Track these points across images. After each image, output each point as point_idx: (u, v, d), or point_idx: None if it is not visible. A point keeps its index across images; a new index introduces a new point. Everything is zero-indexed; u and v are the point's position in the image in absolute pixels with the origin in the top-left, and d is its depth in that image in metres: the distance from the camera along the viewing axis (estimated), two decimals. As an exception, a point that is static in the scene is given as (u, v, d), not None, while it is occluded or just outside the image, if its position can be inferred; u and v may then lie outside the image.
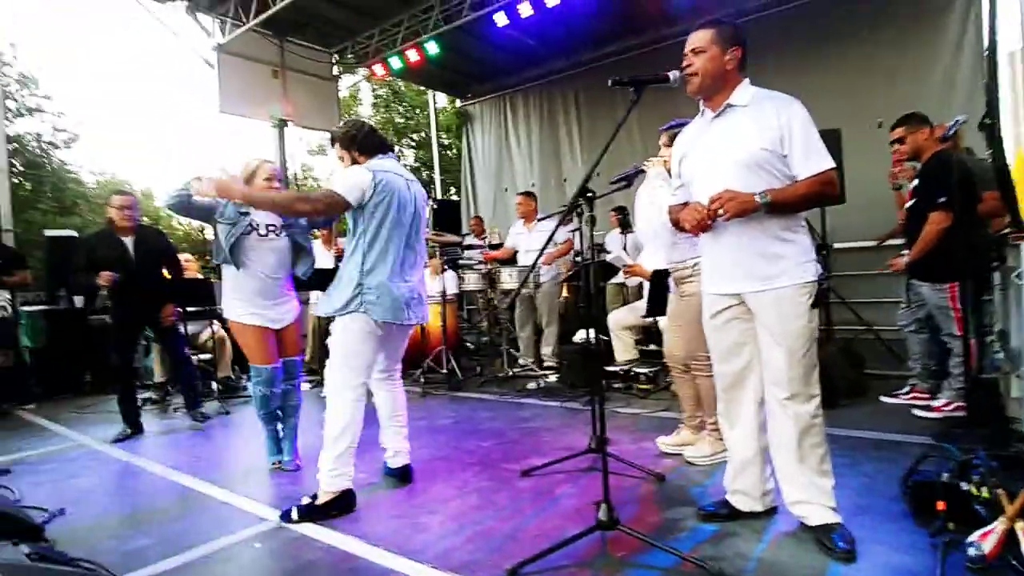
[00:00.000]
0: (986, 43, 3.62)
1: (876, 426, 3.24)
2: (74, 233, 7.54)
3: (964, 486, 1.96)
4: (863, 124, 5.99)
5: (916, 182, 3.38)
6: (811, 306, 1.95)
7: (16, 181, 17.59)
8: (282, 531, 2.41)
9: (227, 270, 3.07)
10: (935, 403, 3.38)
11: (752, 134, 1.94)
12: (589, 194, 2.11)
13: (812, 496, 1.99)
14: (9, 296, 5.59)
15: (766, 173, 1.93)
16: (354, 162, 2.66)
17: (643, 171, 2.85)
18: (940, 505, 1.96)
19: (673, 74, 2.04)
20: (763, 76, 2.12)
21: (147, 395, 5.43)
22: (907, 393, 3.68)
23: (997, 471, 1.92)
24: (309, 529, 2.38)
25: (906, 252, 3.41)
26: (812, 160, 1.89)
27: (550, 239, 2.63)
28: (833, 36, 6.63)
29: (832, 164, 1.90)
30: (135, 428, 4.26)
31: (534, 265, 2.97)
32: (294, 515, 2.44)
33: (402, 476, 2.87)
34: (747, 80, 2.03)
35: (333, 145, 2.73)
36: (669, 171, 2.82)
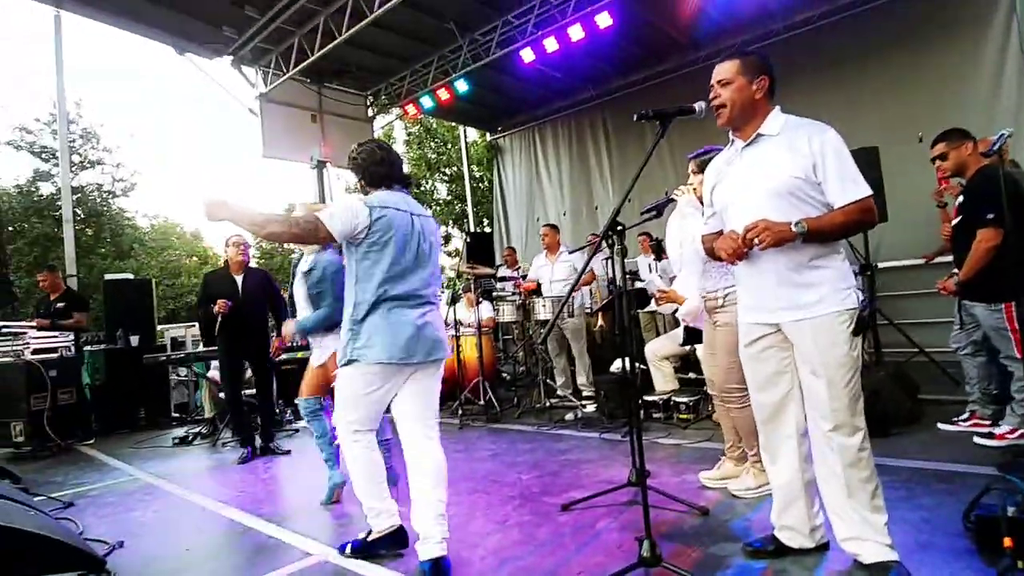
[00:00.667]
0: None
1: (934, 456, 3.08)
2: (130, 276, 7.99)
3: (1032, 520, 1.85)
4: (903, 139, 5.86)
5: (961, 198, 3.27)
6: (852, 334, 1.89)
7: (79, 228, 18.73)
8: (327, 565, 2.44)
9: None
10: (997, 430, 3.20)
11: (784, 162, 1.92)
12: (619, 227, 2.12)
13: (865, 532, 1.90)
14: (73, 337, 5.93)
15: (799, 201, 1.90)
16: (364, 191, 2.54)
17: (673, 200, 2.86)
18: (1007, 542, 1.84)
19: (699, 105, 2.07)
20: (795, 95, 2.13)
21: (197, 430, 5.61)
22: (966, 420, 3.50)
23: (1067, 504, 1.81)
24: (354, 564, 2.41)
25: (956, 272, 3.28)
26: (848, 188, 1.86)
27: (581, 273, 2.65)
28: (865, 52, 6.55)
29: (869, 191, 1.86)
30: (251, 446, 4.63)
31: (569, 295, 2.99)
32: (347, 551, 2.48)
33: (435, 573, 2.19)
34: (777, 108, 2.02)
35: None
36: (700, 199, 2.83)
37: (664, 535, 2.39)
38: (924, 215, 5.40)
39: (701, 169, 2.83)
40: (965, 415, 3.53)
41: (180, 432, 5.64)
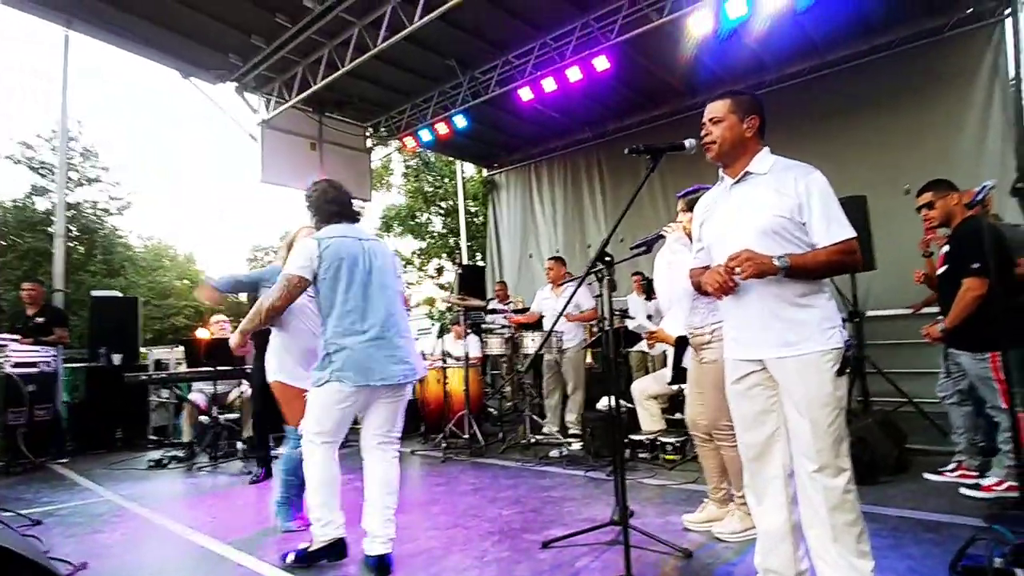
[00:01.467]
0: (1013, 108, 3.67)
1: (921, 505, 3.04)
2: (119, 294, 7.90)
3: (1020, 573, 1.82)
4: (890, 191, 5.98)
5: (947, 248, 3.32)
6: (837, 374, 1.88)
7: (71, 244, 18.66)
8: (293, 599, 2.35)
9: (277, 334, 3.18)
10: (984, 482, 3.17)
11: (770, 202, 1.95)
12: (607, 258, 2.13)
13: None
14: (54, 352, 5.83)
15: (784, 240, 1.93)
16: (317, 227, 2.76)
17: (663, 237, 2.88)
18: (993, 593, 1.81)
19: (689, 142, 2.11)
20: (785, 145, 2.17)
21: (172, 454, 5.47)
22: (953, 470, 3.47)
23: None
24: (320, 597, 2.32)
25: (941, 318, 3.31)
26: (833, 229, 1.88)
27: (569, 301, 2.66)
28: (854, 106, 6.74)
29: (853, 234, 1.88)
30: (268, 467, 4.61)
31: (553, 326, 2.97)
32: (289, 559, 2.62)
33: (379, 568, 2.44)
34: (766, 149, 2.05)
35: None
36: (689, 236, 2.86)
37: (645, 577, 2.32)
38: (911, 265, 5.44)
39: (690, 207, 2.86)
40: (952, 465, 3.50)
41: (156, 455, 5.50)
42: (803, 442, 1.90)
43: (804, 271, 1.89)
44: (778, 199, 1.94)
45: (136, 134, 52.02)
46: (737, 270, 1.88)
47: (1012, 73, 5.88)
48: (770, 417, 2.01)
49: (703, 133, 2.08)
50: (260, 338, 4.63)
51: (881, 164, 6.40)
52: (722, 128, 2.03)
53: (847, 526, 1.86)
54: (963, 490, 3.20)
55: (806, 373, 1.89)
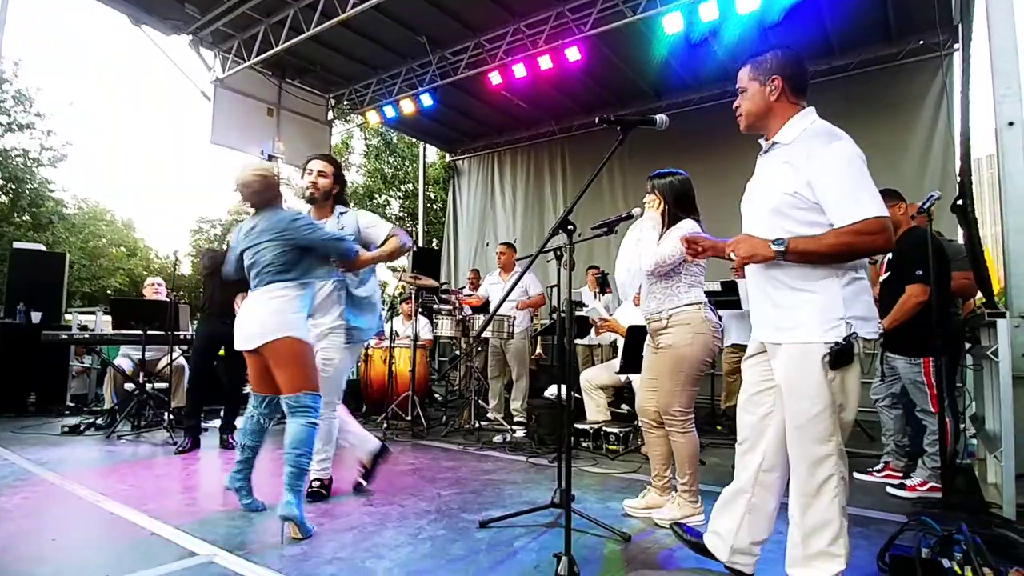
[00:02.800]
0: (959, 128, 3.85)
1: (850, 501, 3.09)
2: (42, 247, 7.33)
3: (946, 563, 1.86)
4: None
5: (890, 256, 3.44)
6: (830, 367, 1.69)
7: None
8: (212, 566, 2.18)
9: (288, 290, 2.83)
10: (909, 482, 3.30)
11: (782, 177, 1.78)
12: (570, 227, 2.07)
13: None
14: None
15: (792, 222, 1.75)
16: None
17: (631, 217, 2.85)
18: (920, 582, 1.85)
19: (660, 117, 2.08)
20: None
21: (91, 420, 5.11)
22: (880, 470, 3.60)
23: (982, 549, 1.83)
24: (242, 566, 2.17)
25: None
26: (845, 207, 1.65)
27: (516, 282, 2.61)
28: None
29: (873, 212, 1.63)
30: (195, 438, 4.45)
31: (497, 307, 2.86)
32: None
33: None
34: (805, 111, 1.87)
35: None
36: (662, 217, 2.83)
37: (584, 558, 2.28)
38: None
39: (655, 190, 2.85)
40: (879, 465, 3.63)
41: (72, 421, 5.12)
42: (788, 435, 1.82)
43: (808, 255, 1.71)
44: (790, 174, 1.76)
45: (76, 82, 48.71)
46: (732, 255, 1.81)
47: (960, 111, 6.21)
48: (765, 398, 1.93)
49: (735, 104, 1.97)
50: (215, 301, 4.39)
51: None
52: (746, 98, 1.91)
53: (821, 528, 1.75)
54: (889, 489, 3.33)
55: (792, 362, 1.76)
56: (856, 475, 3.65)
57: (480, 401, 5.42)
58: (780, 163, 1.81)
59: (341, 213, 3.23)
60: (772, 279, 1.82)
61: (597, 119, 2.07)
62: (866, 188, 1.67)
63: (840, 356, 1.67)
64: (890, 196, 3.43)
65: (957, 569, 1.83)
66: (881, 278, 3.53)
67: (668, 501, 2.84)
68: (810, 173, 1.71)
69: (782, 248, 1.71)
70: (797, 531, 1.80)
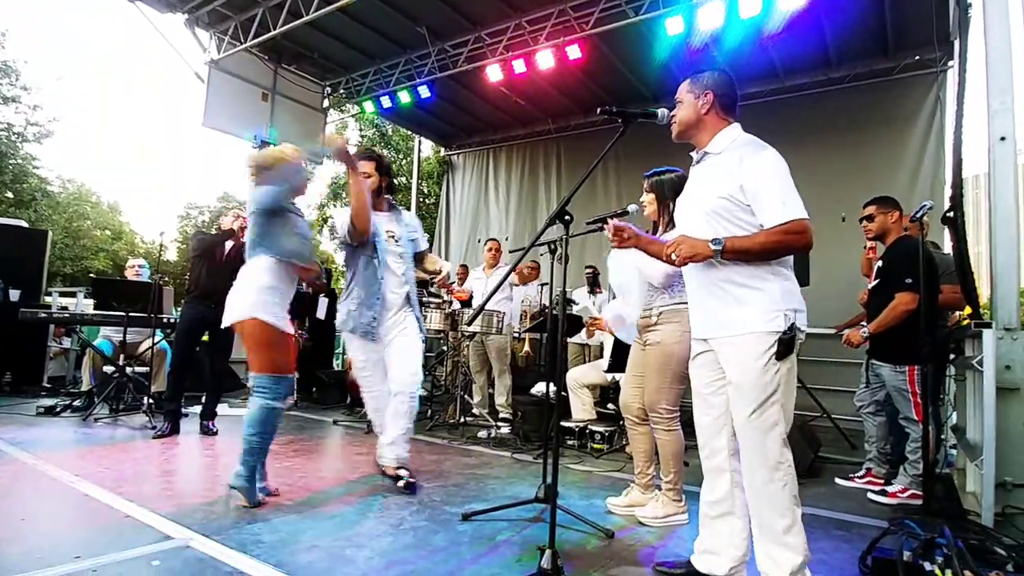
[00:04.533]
0: (951, 140, 3.88)
1: (832, 506, 3.15)
2: (23, 223, 7.17)
3: (928, 567, 1.87)
4: (829, 218, 6.26)
5: (880, 264, 3.46)
6: (776, 358, 1.80)
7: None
8: (187, 551, 2.14)
9: (270, 271, 2.80)
10: (890, 488, 3.32)
11: (717, 182, 1.92)
12: (567, 217, 2.05)
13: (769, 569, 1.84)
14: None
15: (728, 223, 1.89)
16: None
17: (626, 213, 2.83)
18: (902, 584, 1.86)
19: (661, 111, 2.07)
20: None
21: (68, 402, 5.00)
22: (862, 476, 3.62)
23: (964, 553, 1.83)
24: (218, 551, 2.12)
25: (864, 325, 3.44)
26: (775, 209, 1.81)
27: (504, 280, 2.60)
28: (806, 132, 6.99)
29: (798, 215, 1.79)
30: (175, 423, 4.38)
31: (484, 303, 2.79)
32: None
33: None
34: (733, 126, 2.02)
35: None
36: (657, 217, 2.87)
37: (566, 553, 2.26)
38: (841, 288, 5.75)
39: (652, 188, 2.85)
40: (861, 472, 3.65)
41: (48, 402, 5.01)
42: (737, 426, 1.89)
43: (743, 253, 1.84)
44: (724, 179, 1.91)
45: (65, 58, 47.86)
46: (673, 256, 1.88)
47: (953, 123, 6.29)
48: (718, 399, 1.99)
49: (671, 114, 2.10)
50: (202, 284, 4.31)
51: (822, 192, 6.65)
52: (681, 108, 2.07)
53: (774, 518, 1.82)
54: (871, 495, 3.34)
55: (739, 356, 1.87)
56: (838, 481, 3.68)
57: (466, 396, 5.39)
58: (717, 170, 1.95)
59: (395, 207, 3.39)
60: (717, 278, 1.93)
61: (599, 110, 2.07)
62: (791, 193, 1.84)
63: (784, 346, 1.80)
64: (886, 203, 3.46)
65: (939, 572, 1.84)
66: (870, 285, 3.55)
67: (651, 499, 2.83)
68: (742, 178, 1.86)
69: (720, 247, 1.83)
70: (753, 521, 1.88)
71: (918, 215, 2.85)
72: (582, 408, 4.71)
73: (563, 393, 4.79)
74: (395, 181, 3.39)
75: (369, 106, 8.42)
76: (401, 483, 3.04)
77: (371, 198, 3.14)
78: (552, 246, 2.76)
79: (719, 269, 1.91)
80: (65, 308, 6.57)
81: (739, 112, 2.06)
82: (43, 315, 5.18)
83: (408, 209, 13.75)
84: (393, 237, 3.23)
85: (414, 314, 3.25)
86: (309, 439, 4.47)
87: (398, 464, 3.09)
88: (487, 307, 5.32)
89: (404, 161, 17.91)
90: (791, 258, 1.93)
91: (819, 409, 5.37)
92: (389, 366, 3.14)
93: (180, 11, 7.13)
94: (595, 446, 4.33)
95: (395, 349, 3.13)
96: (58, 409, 4.88)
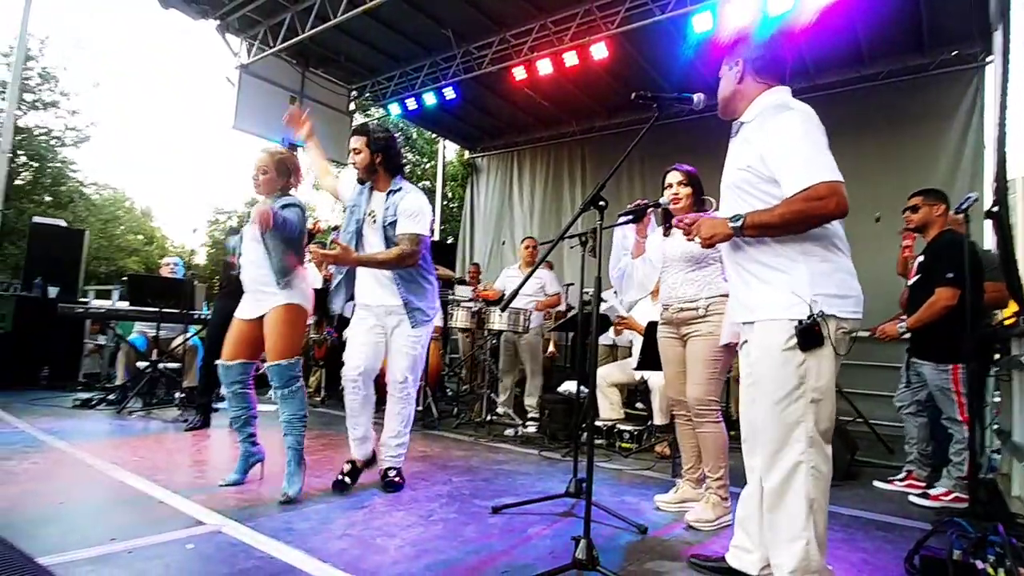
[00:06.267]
0: (995, 134, 3.75)
1: (872, 508, 3.04)
2: (62, 223, 7.38)
3: (980, 565, 1.79)
4: (864, 218, 6.08)
5: (922, 258, 3.35)
6: (800, 348, 1.61)
7: (18, 166, 17.48)
8: (219, 536, 2.15)
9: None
10: (933, 491, 3.19)
11: (740, 153, 1.79)
12: (602, 203, 2.02)
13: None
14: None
15: (752, 197, 1.73)
16: (390, 174, 3.14)
17: (659, 206, 2.78)
18: (953, 584, 1.78)
19: (697, 96, 2.02)
20: None
21: (103, 396, 5.11)
22: (902, 479, 3.50)
23: (1018, 550, 1.75)
24: (250, 537, 2.13)
25: (903, 318, 3.33)
26: (796, 175, 1.61)
27: (531, 273, 2.56)
28: (839, 130, 6.59)
29: (820, 178, 1.58)
30: (207, 417, 4.43)
31: (515, 293, 2.71)
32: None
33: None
34: (771, 90, 1.83)
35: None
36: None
37: (600, 547, 2.20)
38: (873, 290, 5.52)
39: (690, 181, 2.80)
40: (902, 475, 3.53)
41: (84, 396, 5.13)
42: (757, 418, 1.76)
43: (767, 228, 1.66)
44: (747, 149, 1.75)
45: (102, 63, 49.35)
46: (697, 239, 1.79)
47: (996, 114, 6.09)
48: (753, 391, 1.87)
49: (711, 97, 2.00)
50: (236, 279, 4.37)
51: (855, 192, 6.31)
52: (720, 85, 1.95)
53: (780, 518, 1.67)
54: (912, 498, 3.23)
55: (760, 343, 1.72)
56: (876, 484, 3.56)
57: (492, 395, 5.37)
58: (743, 140, 1.81)
59: (394, 190, 3.03)
60: (742, 258, 1.80)
61: (633, 95, 2.02)
62: (816, 155, 1.62)
63: (807, 336, 1.60)
64: (933, 195, 3.37)
65: (991, 570, 1.76)
66: (910, 281, 3.44)
67: (701, 497, 2.72)
68: (762, 145, 1.69)
69: (739, 224, 1.69)
70: (764, 518, 1.75)
71: (963, 207, 2.75)
72: (609, 407, 4.65)
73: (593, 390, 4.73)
74: (403, 157, 3.23)
75: (395, 109, 8.50)
76: (385, 480, 2.97)
77: (363, 175, 3.02)
78: (583, 238, 2.72)
79: (745, 250, 1.77)
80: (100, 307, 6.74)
81: (786, 73, 1.87)
82: (80, 310, 5.31)
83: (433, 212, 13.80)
84: (372, 216, 3.01)
85: (409, 307, 2.98)
86: (337, 434, 4.48)
87: (388, 465, 3.01)
88: (514, 306, 5.31)
89: (429, 164, 18.06)
90: (831, 235, 1.69)
91: (854, 413, 5.22)
92: (387, 365, 3.09)
93: (212, 17, 7.30)
94: (623, 445, 4.27)
95: (391, 350, 3.04)
96: (93, 402, 4.99)
